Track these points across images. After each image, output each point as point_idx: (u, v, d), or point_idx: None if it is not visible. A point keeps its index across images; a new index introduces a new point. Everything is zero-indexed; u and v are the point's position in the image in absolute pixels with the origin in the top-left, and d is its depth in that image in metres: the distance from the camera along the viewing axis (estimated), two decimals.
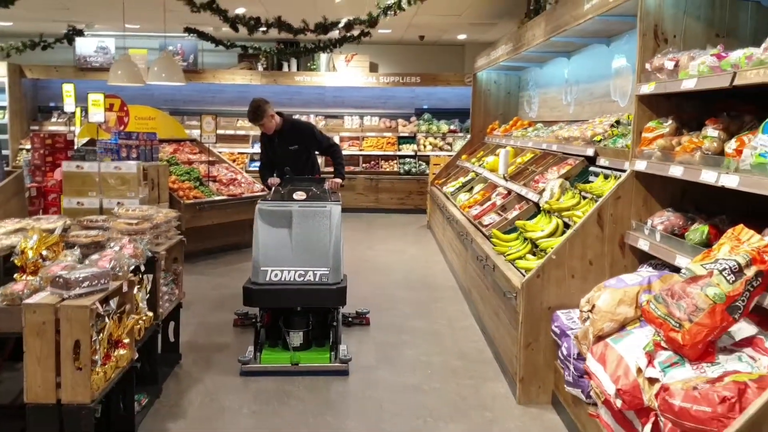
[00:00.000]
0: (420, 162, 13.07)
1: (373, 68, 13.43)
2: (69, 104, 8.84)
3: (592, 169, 5.34)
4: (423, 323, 5.91)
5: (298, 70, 13.17)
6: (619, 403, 2.80)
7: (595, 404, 3.29)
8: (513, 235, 5.43)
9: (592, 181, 5.10)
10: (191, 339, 5.30)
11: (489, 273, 5.23)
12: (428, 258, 8.74)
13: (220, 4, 8.32)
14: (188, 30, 10.21)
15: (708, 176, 3.10)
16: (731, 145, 3.05)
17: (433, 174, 11.17)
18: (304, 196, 5.19)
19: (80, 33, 10.33)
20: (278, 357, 4.67)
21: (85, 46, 12.45)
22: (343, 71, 13.04)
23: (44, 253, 3.55)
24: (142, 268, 3.85)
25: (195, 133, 10.72)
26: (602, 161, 4.86)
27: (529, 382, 4.23)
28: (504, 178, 6.89)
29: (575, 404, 3.71)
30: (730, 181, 2.91)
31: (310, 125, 6.66)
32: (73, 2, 9.54)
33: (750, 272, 2.59)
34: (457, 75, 13.10)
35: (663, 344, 2.72)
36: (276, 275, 4.68)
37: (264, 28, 8.31)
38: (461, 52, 13.68)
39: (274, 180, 6.03)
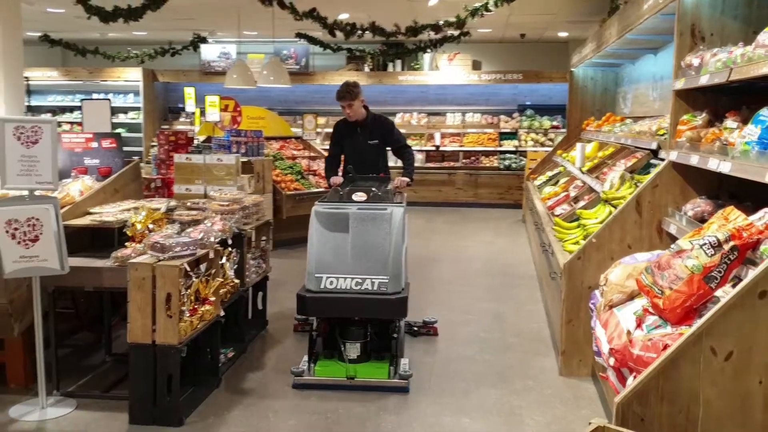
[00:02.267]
0: (521, 158, 13.34)
1: (476, 66, 13.82)
2: (190, 105, 9.88)
3: (654, 161, 5.59)
4: (491, 305, 6.33)
5: (402, 69, 13.80)
6: (612, 361, 3.17)
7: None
8: (575, 224, 5.76)
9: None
10: (279, 311, 6.00)
11: (549, 258, 5.60)
12: (515, 249, 9.10)
13: (325, 11, 9.06)
14: (299, 35, 11.09)
15: (712, 164, 3.40)
16: (734, 135, 3.33)
17: (529, 169, 11.46)
18: (365, 198, 4.79)
19: (204, 40, 11.44)
20: (333, 370, 4.38)
21: (209, 52, 13.66)
22: (446, 70, 13.52)
23: (150, 226, 4.33)
24: (230, 242, 4.55)
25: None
26: (662, 154, 5.12)
27: (571, 356, 4.60)
28: (581, 170, 7.17)
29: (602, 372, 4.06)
30: (724, 167, 3.21)
31: (391, 121, 6.29)
32: (197, 13, 10.61)
33: (727, 246, 2.90)
34: (560, 72, 13.24)
35: (650, 310, 3.08)
36: (331, 283, 4.39)
37: (360, 32, 8.97)
38: (565, 49, 13.81)
39: (336, 179, 5.73)
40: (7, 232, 3.72)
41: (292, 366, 4.42)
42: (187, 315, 3.90)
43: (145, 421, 3.82)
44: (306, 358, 4.50)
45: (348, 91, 5.76)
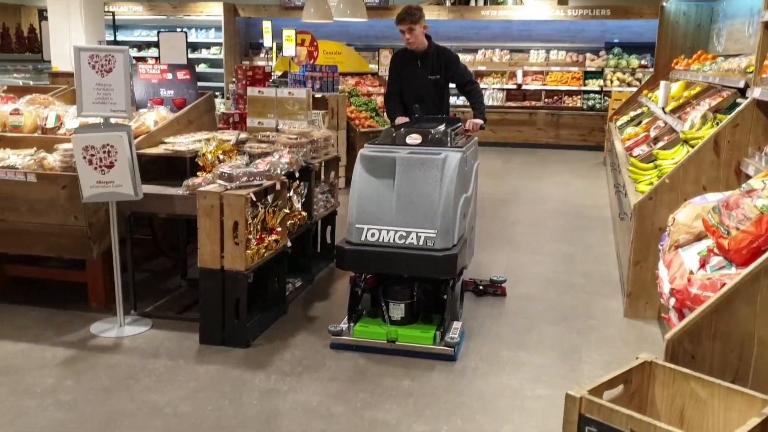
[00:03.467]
0: (605, 98, 12.88)
1: (562, 1, 13.28)
2: (267, 40, 9.94)
3: (740, 100, 5.29)
4: (561, 246, 6.25)
5: (484, 4, 13.40)
6: (672, 301, 3.09)
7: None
8: (651, 165, 5.56)
9: None
10: None
11: (621, 199, 5.45)
12: (591, 192, 8.88)
13: None
14: None
15: None
16: None
17: (613, 109, 11.07)
18: (420, 140, 4.24)
19: None
20: (373, 331, 3.98)
21: None
22: (530, 4, 13.06)
23: (220, 156, 4.45)
24: (297, 175, 4.63)
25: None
26: (748, 92, 4.84)
27: (637, 298, 4.51)
28: (663, 110, 6.88)
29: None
30: None
31: (456, 54, 5.63)
32: None
33: None
34: (650, 7, 12.55)
35: (715, 250, 2.97)
36: (373, 235, 3.95)
37: None
38: None
39: (402, 119, 5.20)
40: (84, 158, 3.90)
41: (330, 324, 4.09)
42: (254, 243, 4.02)
43: (215, 342, 4.01)
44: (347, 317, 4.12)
45: (409, 13, 5.20)
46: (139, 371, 3.67)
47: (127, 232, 4.40)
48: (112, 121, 4.07)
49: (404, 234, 3.92)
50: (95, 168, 3.94)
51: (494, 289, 4.91)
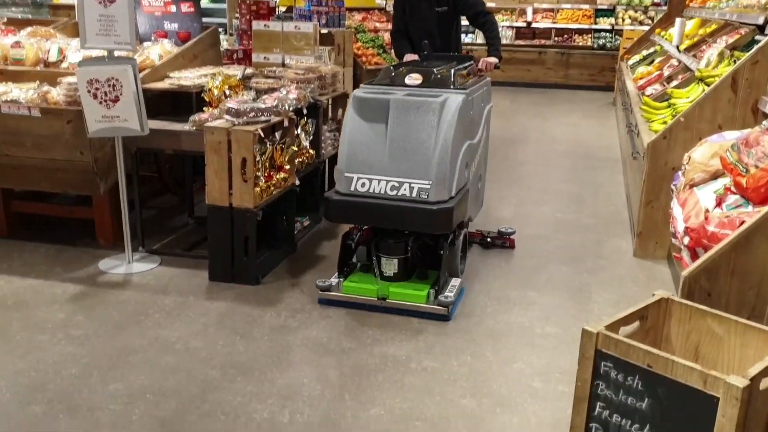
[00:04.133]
0: (616, 37, 12.61)
1: None
2: None
3: (759, 38, 5.15)
4: (570, 187, 6.19)
5: None
6: (686, 240, 3.06)
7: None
8: (664, 104, 5.46)
9: None
10: None
11: (633, 139, 5.37)
12: (601, 132, 8.77)
13: None
14: None
15: None
16: None
17: (624, 48, 10.86)
18: (420, 80, 3.88)
19: None
20: (363, 287, 3.72)
21: None
22: None
23: (227, 92, 4.36)
24: (305, 111, 4.55)
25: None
26: None
27: (647, 238, 4.48)
28: (677, 49, 6.73)
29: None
30: None
31: None
32: None
33: None
34: None
35: (732, 189, 2.92)
36: (363, 185, 3.63)
37: None
38: None
39: (411, 57, 4.94)
40: (89, 91, 3.83)
41: (319, 279, 3.84)
42: (263, 180, 3.97)
43: (224, 279, 4.01)
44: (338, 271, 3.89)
45: None
46: (149, 307, 3.68)
47: (134, 169, 4.36)
48: (117, 54, 3.98)
49: (396, 184, 3.59)
50: (100, 102, 3.87)
51: (502, 241, 4.66)
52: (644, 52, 8.94)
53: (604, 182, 6.36)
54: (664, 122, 5.03)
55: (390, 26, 9.72)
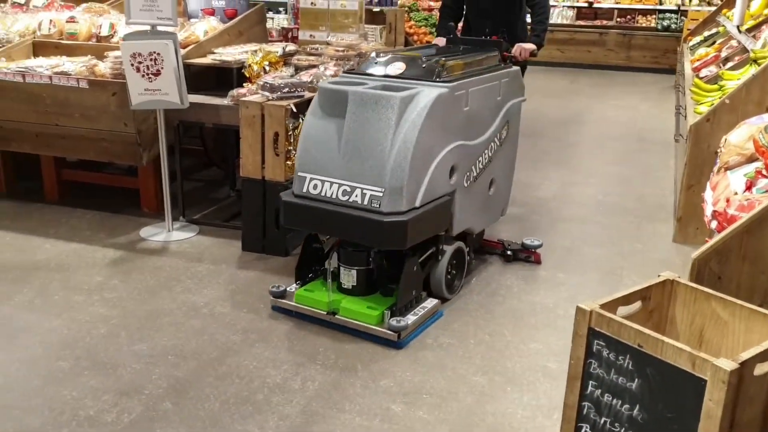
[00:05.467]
0: (682, 18, 12.17)
1: None
2: None
3: None
4: (618, 169, 6.06)
5: None
6: (714, 224, 2.98)
7: None
8: (715, 86, 5.28)
9: None
10: None
11: (680, 121, 5.22)
12: (658, 116, 8.52)
13: None
14: None
15: None
16: None
17: (688, 29, 10.48)
18: (402, 69, 3.42)
19: None
20: (315, 299, 3.31)
21: None
22: None
23: (266, 67, 4.44)
24: None
25: None
26: None
27: (687, 223, 4.37)
28: (738, 29, 6.47)
29: None
30: None
31: None
32: None
33: None
34: None
35: (763, 172, 2.83)
36: (315, 187, 3.24)
37: None
38: None
39: (440, 41, 4.37)
40: (132, 65, 3.96)
41: (272, 285, 3.47)
42: (294, 154, 4.04)
43: (255, 249, 4.11)
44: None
45: None
46: (182, 273, 3.81)
47: (176, 141, 4.49)
48: (160, 29, 4.09)
49: (348, 189, 3.16)
50: (143, 75, 3.99)
51: (526, 255, 4.06)
52: (706, 33, 8.62)
53: (654, 166, 6.20)
54: (712, 104, 4.87)
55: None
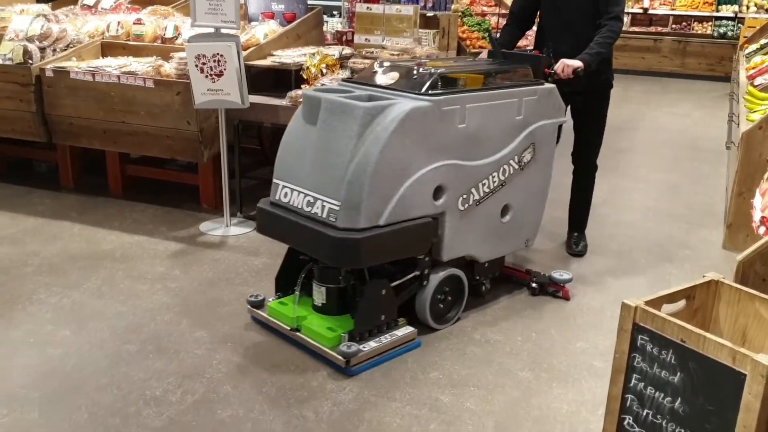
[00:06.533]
0: (739, 25, 11.99)
1: None
2: None
3: None
4: (668, 176, 6.06)
5: None
6: (762, 230, 3.01)
7: None
8: None
9: None
10: None
11: (731, 129, 5.20)
12: (711, 123, 8.44)
13: None
14: None
15: None
16: None
17: (744, 37, 10.32)
18: (395, 80, 3.27)
19: None
20: (283, 313, 3.21)
21: None
22: None
23: (323, 70, 4.60)
24: None
25: None
26: None
27: (737, 230, 4.37)
28: None
29: None
30: None
31: None
32: None
33: None
34: None
35: None
36: (286, 195, 3.17)
37: None
38: None
39: (482, 55, 4.08)
40: (196, 66, 4.15)
41: (251, 294, 3.40)
42: None
43: None
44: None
45: None
46: (239, 266, 3.98)
47: (236, 139, 4.68)
48: (223, 31, 4.28)
49: (312, 200, 3.04)
50: (206, 76, 4.18)
51: (554, 290, 3.73)
52: (762, 41, 8.51)
53: (705, 173, 6.17)
54: (765, 113, 4.85)
55: (497, 10, 9.74)
